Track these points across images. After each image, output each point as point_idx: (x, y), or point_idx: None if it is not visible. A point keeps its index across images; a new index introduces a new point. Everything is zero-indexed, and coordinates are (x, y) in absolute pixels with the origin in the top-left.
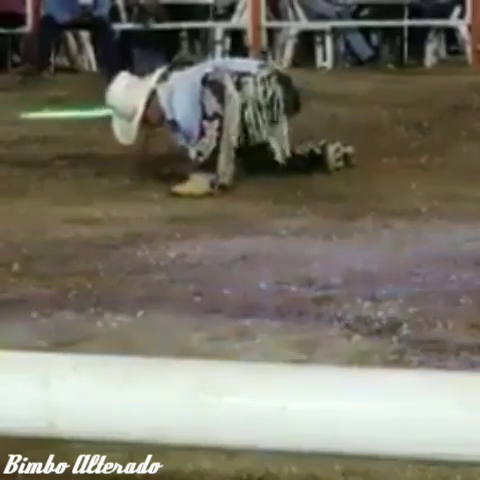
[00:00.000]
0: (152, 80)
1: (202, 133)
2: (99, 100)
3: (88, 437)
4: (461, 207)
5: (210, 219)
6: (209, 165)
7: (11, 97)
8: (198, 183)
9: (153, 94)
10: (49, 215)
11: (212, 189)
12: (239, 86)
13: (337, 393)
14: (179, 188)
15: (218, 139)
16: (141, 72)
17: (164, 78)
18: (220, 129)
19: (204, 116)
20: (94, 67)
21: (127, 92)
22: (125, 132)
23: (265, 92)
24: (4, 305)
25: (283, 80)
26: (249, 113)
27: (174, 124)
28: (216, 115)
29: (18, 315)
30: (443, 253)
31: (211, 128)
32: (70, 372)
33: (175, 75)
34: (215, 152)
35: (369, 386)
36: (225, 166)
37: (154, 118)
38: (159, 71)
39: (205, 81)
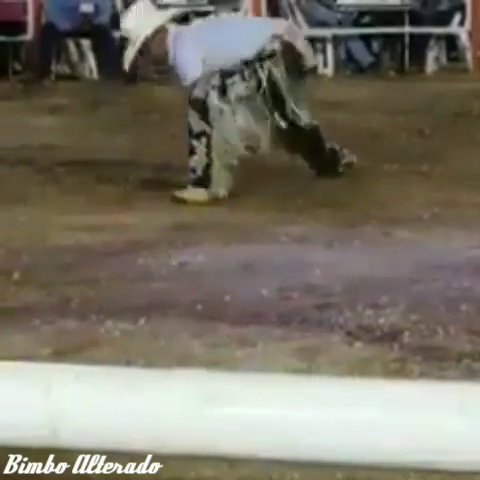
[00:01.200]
0: (166, 16)
1: (192, 152)
2: (99, 108)
3: (90, 446)
4: (462, 214)
5: (211, 227)
6: (203, 181)
7: (12, 105)
8: (197, 193)
9: (163, 29)
10: (50, 222)
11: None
12: (224, 90)
13: (339, 403)
14: (185, 194)
15: (208, 154)
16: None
17: (176, 21)
18: (209, 145)
19: (190, 133)
20: (95, 75)
21: (140, 18)
22: (126, 57)
23: (259, 83)
24: (6, 313)
25: (288, 51)
26: (242, 114)
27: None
28: (203, 133)
29: (20, 323)
30: (444, 260)
31: (199, 146)
32: (73, 381)
33: (183, 27)
34: (207, 167)
35: (370, 396)
36: (219, 179)
37: (158, 52)
38: (174, 11)
39: (189, 99)
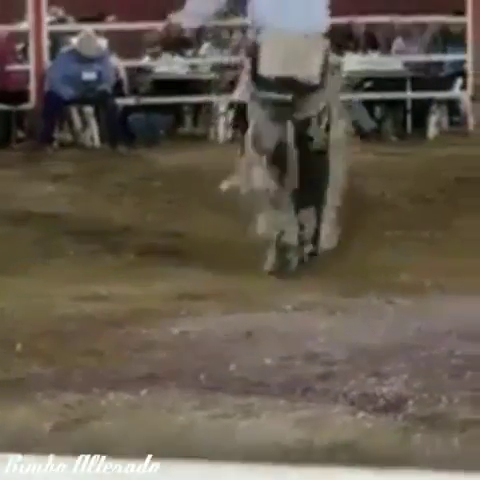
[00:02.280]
0: None
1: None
2: (102, 176)
3: None
4: (465, 281)
5: (214, 295)
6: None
7: (15, 173)
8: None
9: None
10: (53, 292)
11: None
12: None
13: None
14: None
15: None
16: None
17: None
18: None
19: None
20: (97, 142)
21: None
22: None
23: None
24: (7, 386)
25: None
26: None
27: None
28: None
29: (21, 396)
30: (447, 327)
31: None
32: None
33: None
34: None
35: None
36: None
37: None
38: None
39: None
